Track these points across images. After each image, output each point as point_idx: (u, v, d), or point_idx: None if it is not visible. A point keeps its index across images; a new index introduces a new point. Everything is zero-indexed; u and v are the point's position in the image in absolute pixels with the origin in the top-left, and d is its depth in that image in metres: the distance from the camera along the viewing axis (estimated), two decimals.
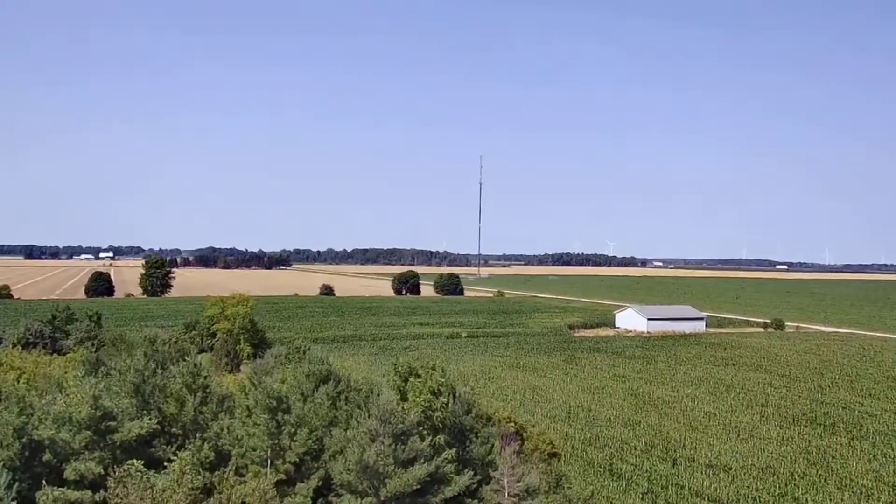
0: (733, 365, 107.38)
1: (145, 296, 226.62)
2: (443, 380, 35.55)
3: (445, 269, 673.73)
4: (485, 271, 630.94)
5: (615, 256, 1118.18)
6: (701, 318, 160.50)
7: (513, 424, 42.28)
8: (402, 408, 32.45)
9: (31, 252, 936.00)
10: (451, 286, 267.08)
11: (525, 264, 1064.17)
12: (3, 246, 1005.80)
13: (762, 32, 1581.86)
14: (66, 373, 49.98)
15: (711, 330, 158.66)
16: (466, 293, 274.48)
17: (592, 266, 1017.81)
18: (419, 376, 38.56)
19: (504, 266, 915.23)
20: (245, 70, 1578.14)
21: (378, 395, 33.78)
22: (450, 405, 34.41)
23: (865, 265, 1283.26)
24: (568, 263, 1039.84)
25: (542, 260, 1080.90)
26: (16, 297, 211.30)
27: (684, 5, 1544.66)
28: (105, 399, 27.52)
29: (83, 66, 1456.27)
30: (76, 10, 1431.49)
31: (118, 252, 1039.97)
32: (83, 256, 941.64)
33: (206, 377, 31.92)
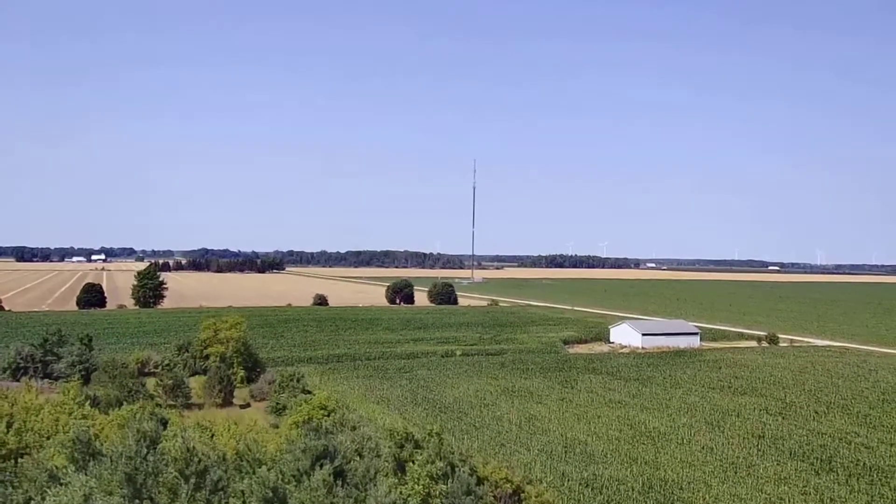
0: (728, 388, 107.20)
1: (138, 307, 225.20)
2: (441, 464, 34.94)
3: (439, 272, 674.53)
4: (479, 274, 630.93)
5: (608, 258, 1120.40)
6: (695, 333, 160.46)
7: (510, 485, 41.71)
8: (401, 492, 31.92)
9: (22, 254, 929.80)
10: (445, 295, 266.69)
11: (519, 265, 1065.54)
12: None
13: (754, 26, 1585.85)
14: (56, 430, 49.03)
15: (706, 345, 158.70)
16: (460, 301, 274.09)
17: (586, 268, 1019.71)
18: (418, 446, 37.99)
19: (498, 268, 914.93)
20: (241, 71, 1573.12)
21: (375, 475, 33.16)
22: (450, 484, 33.90)
23: (857, 265, 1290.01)
24: (561, 265, 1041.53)
25: (535, 262, 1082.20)
26: (6, 307, 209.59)
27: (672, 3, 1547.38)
28: (97, 498, 26.82)
29: (77, 67, 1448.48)
30: (73, 11, 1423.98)
31: (110, 254, 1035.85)
32: (75, 259, 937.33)
33: (200, 460, 31.15)
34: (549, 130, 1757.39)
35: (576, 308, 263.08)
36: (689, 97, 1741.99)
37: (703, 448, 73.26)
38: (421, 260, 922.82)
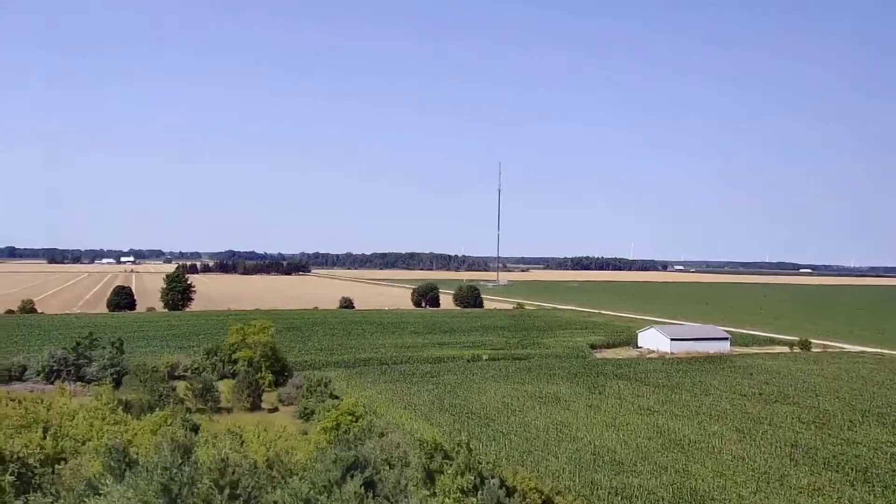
0: (760, 395, 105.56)
1: (166, 310, 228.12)
2: (471, 476, 34.78)
3: (464, 275, 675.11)
4: (504, 276, 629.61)
5: (635, 260, 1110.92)
6: (725, 339, 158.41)
7: (539, 495, 41.43)
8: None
9: (53, 256, 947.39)
10: (470, 298, 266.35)
11: (544, 268, 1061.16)
12: (26, 250, 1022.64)
13: (777, 27, 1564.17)
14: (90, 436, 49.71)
15: (736, 350, 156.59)
16: (486, 304, 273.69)
17: (612, 270, 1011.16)
18: (448, 457, 37.86)
19: (523, 271, 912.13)
20: (265, 72, 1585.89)
21: (405, 486, 33.11)
22: (479, 496, 33.73)
23: (891, 268, 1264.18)
24: (587, 267, 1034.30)
25: (561, 264, 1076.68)
26: (40, 310, 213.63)
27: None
28: None
29: (102, 68, 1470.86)
30: (105, 21, 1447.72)
31: (139, 255, 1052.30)
32: (105, 261, 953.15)
33: (233, 471, 31.38)
34: (573, 132, 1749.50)
35: (602, 311, 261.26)
36: (714, 96, 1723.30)
37: (734, 457, 72.17)
38: (446, 262, 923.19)
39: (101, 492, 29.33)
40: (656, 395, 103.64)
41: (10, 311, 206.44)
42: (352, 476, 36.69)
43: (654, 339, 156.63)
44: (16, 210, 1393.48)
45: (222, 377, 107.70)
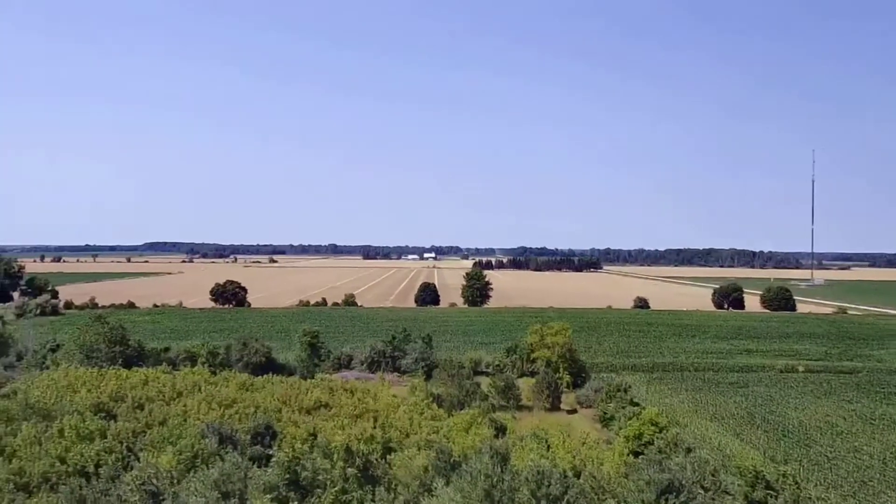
0: None
1: (466, 305, 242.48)
2: None
3: (770, 273, 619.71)
4: (819, 275, 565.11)
5: None
6: None
7: None
8: None
9: (367, 252, 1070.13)
10: (780, 300, 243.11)
11: (870, 265, 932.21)
12: (345, 247, 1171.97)
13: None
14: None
15: None
16: (799, 307, 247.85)
17: None
18: (770, 487, 34.34)
19: (843, 269, 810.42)
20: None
21: None
22: None
23: None
24: None
25: (891, 260, 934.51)
26: (359, 303, 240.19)
27: None
28: None
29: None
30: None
31: (439, 252, 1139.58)
32: (410, 257, 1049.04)
33: (549, 483, 31.64)
34: None
35: None
36: None
37: None
38: (748, 259, 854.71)
39: (434, 494, 31.51)
40: None
41: (336, 304, 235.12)
42: (666, 500, 34.94)
43: None
44: (336, 213, 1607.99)
45: (521, 375, 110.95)
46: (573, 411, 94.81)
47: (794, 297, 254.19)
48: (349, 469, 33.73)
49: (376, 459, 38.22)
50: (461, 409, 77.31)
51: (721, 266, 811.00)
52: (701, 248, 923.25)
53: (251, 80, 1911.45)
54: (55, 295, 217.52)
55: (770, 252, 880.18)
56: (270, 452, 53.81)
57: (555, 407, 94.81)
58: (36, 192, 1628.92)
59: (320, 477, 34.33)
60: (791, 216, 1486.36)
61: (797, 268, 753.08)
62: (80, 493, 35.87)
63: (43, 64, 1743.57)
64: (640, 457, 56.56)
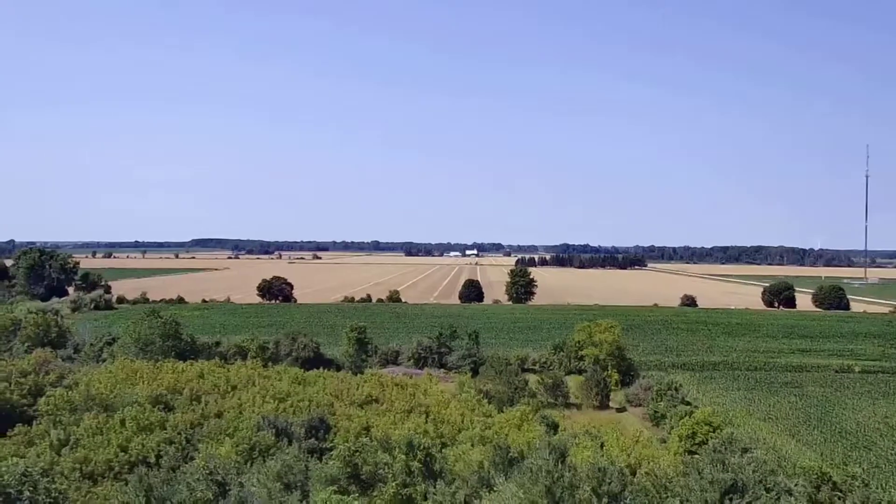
0: None
1: (511, 302, 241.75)
2: None
3: (821, 271, 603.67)
4: (873, 274, 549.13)
5: None
6: None
7: None
8: None
9: (409, 249, 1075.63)
10: (833, 299, 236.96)
11: None
12: (387, 243, 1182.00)
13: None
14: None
15: None
16: (853, 306, 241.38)
17: None
18: (837, 489, 33.45)
19: None
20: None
21: None
22: None
23: None
24: None
25: None
26: (403, 299, 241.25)
27: None
28: None
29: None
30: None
31: (481, 249, 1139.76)
32: (452, 254, 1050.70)
33: (611, 481, 31.36)
34: None
35: None
36: None
37: None
38: (799, 257, 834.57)
39: (495, 488, 31.50)
40: None
41: (380, 300, 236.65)
42: (730, 500, 34.33)
43: None
44: (381, 212, 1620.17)
45: (569, 373, 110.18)
46: (622, 409, 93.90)
47: (848, 296, 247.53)
48: (412, 462, 33.96)
49: (436, 454, 38.34)
50: (510, 406, 77.12)
51: (770, 264, 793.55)
52: (749, 246, 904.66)
53: (299, 76, 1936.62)
54: (108, 290, 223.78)
55: (821, 250, 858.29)
56: (324, 445, 54.50)
57: (603, 405, 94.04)
58: (87, 189, 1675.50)
59: (380, 470, 34.67)
60: (843, 213, 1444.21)
61: (849, 266, 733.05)
62: (147, 481, 36.76)
63: (92, 70, 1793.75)
64: (697, 455, 55.75)
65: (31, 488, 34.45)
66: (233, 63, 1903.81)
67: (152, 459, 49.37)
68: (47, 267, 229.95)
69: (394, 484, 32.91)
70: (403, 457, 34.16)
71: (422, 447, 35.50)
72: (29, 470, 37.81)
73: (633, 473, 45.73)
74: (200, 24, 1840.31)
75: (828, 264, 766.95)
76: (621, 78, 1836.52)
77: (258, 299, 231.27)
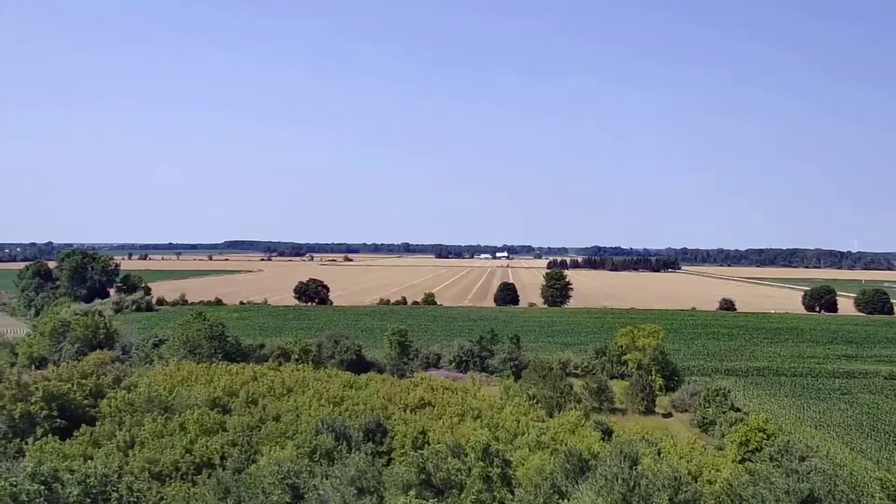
0: None
1: (546, 306, 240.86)
2: None
3: (859, 274, 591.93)
4: None
5: None
6: None
7: None
8: None
9: (439, 251, 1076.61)
10: (876, 303, 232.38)
11: None
12: (418, 245, 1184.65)
13: None
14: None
15: None
16: None
17: None
18: None
19: None
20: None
21: None
22: None
23: None
24: None
25: None
26: (438, 302, 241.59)
27: None
28: None
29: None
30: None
31: (512, 251, 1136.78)
32: (482, 256, 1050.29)
33: (686, 490, 31.31)
34: None
35: None
36: None
37: None
38: (836, 260, 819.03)
39: (571, 496, 31.61)
40: None
41: (415, 303, 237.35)
42: None
43: None
44: (412, 214, 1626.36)
45: (612, 377, 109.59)
46: (668, 415, 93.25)
47: (893, 301, 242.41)
48: (492, 469, 34.19)
49: (512, 461, 38.60)
50: (558, 411, 77.05)
51: (806, 267, 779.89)
52: (784, 249, 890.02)
53: (325, 81, 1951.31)
54: (148, 291, 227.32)
55: (859, 252, 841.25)
56: (382, 449, 55.05)
57: (649, 410, 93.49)
58: (122, 191, 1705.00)
59: (453, 477, 34.96)
60: (881, 215, 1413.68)
61: (890, 269, 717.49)
62: (224, 483, 37.51)
63: (122, 72, 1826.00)
64: (754, 463, 55.28)
65: (114, 489, 35.43)
66: (264, 68, 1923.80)
67: (217, 461, 50.33)
68: (90, 269, 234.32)
69: (474, 491, 33.17)
70: (481, 463, 34.42)
71: (498, 454, 35.72)
72: (106, 471, 38.88)
73: (695, 480, 45.52)
74: (258, 32, 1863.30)
75: (866, 268, 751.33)
76: (654, 85, 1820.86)
77: (295, 301, 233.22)
